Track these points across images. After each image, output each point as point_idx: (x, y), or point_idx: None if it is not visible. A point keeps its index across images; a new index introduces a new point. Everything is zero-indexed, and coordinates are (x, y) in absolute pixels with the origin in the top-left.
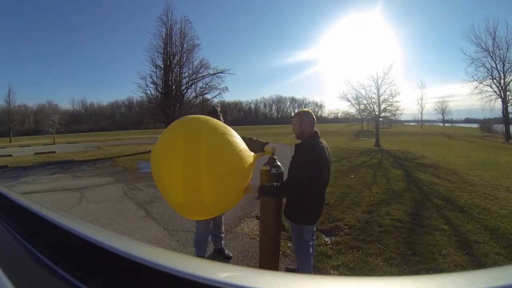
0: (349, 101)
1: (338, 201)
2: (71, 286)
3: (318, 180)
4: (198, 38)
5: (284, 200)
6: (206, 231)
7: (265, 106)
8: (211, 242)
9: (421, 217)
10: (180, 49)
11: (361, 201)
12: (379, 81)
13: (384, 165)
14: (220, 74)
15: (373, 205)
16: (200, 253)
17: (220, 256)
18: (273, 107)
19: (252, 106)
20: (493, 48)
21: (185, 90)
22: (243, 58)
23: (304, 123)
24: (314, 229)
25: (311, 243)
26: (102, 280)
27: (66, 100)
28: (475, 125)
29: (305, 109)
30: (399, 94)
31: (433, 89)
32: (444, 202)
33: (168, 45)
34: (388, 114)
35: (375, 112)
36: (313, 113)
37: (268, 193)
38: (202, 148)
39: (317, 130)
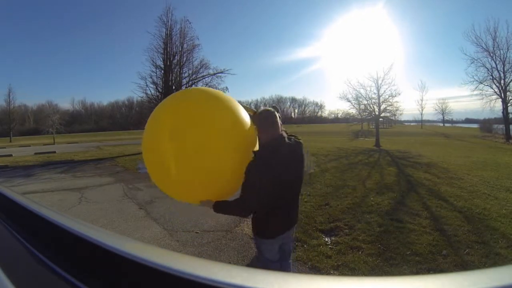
0: (349, 101)
1: (338, 201)
2: (71, 286)
3: (278, 195)
4: (198, 38)
5: None
6: None
7: (265, 106)
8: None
9: (421, 217)
10: (180, 49)
11: (361, 201)
12: (379, 81)
13: (381, 164)
14: (220, 74)
15: (372, 205)
16: None
17: None
18: None
19: (253, 106)
20: (493, 48)
21: None
22: (243, 58)
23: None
24: (289, 248)
25: (276, 263)
26: (102, 280)
27: (66, 100)
28: (475, 125)
29: (267, 108)
30: (399, 94)
31: (433, 89)
32: (444, 202)
33: (168, 45)
34: (388, 114)
35: (375, 112)
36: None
37: (223, 211)
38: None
39: (282, 132)
